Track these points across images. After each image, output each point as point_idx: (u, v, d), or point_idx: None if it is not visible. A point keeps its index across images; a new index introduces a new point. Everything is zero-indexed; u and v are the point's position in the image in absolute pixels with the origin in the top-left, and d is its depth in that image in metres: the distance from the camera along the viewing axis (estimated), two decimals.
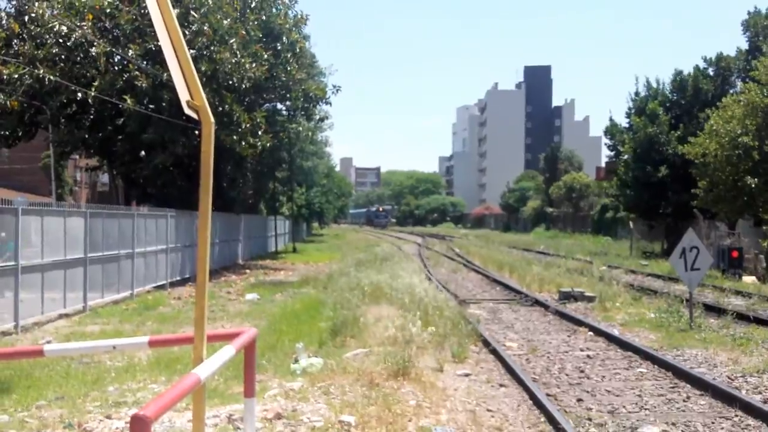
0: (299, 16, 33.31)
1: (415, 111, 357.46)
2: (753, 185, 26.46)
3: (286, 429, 6.93)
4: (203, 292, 3.59)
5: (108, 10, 26.01)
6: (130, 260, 20.67)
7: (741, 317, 15.00)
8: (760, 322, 14.61)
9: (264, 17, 30.60)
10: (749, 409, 8.10)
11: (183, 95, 3.40)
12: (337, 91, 35.36)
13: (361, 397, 8.05)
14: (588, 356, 11.60)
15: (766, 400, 8.79)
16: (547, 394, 8.94)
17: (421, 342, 11.11)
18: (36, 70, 23.95)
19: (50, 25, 24.72)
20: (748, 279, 24.79)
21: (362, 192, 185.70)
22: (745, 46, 38.93)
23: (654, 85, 42.32)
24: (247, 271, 30.88)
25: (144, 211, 23.28)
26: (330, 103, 35.65)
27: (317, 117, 40.50)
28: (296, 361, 10.41)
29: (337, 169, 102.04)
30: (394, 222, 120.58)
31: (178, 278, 25.03)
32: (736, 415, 8.04)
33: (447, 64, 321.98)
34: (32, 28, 25.15)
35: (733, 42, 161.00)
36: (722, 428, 7.63)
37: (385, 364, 9.37)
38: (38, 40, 25.20)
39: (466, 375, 10.00)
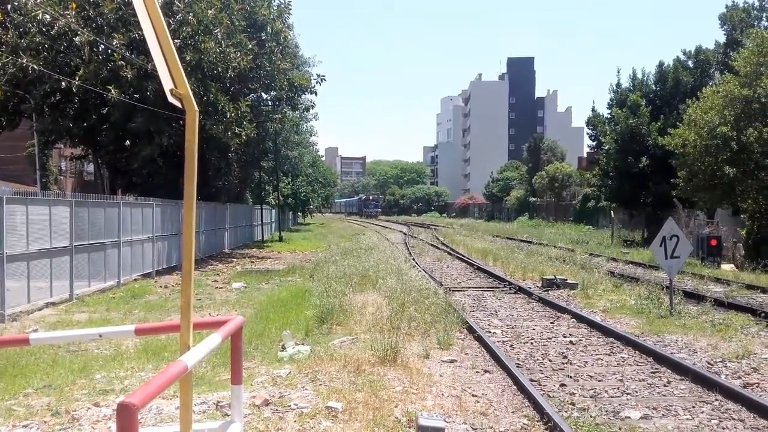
0: (283, 6, 33.24)
1: (401, 101, 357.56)
2: (731, 174, 26.72)
3: (273, 415, 6.95)
4: (189, 279, 3.60)
5: None
6: (116, 249, 20.64)
7: (720, 304, 15.23)
8: (738, 308, 14.84)
9: (248, 7, 30.50)
10: (729, 393, 8.24)
11: (167, 84, 3.38)
12: (322, 80, 35.18)
13: (348, 384, 8.10)
14: (571, 342, 11.72)
15: (745, 384, 8.92)
16: (531, 380, 9.03)
17: (407, 329, 11.19)
18: (19, 59, 23.77)
19: (33, 13, 24.50)
20: (727, 267, 25.07)
21: (348, 181, 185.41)
22: (723, 39, 39.31)
23: (639, 76, 42.56)
24: (234, 259, 30.85)
25: (130, 200, 23.24)
26: (315, 93, 35.47)
27: (302, 107, 40.32)
28: (283, 348, 10.46)
29: (323, 158, 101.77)
30: (379, 211, 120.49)
31: (165, 267, 25.03)
32: (716, 399, 8.17)
33: (432, 55, 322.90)
34: (15, 16, 24.92)
35: (712, 35, 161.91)
36: (702, 412, 7.73)
37: (372, 351, 9.44)
38: (21, 29, 24.97)
39: (452, 361, 10.09)
